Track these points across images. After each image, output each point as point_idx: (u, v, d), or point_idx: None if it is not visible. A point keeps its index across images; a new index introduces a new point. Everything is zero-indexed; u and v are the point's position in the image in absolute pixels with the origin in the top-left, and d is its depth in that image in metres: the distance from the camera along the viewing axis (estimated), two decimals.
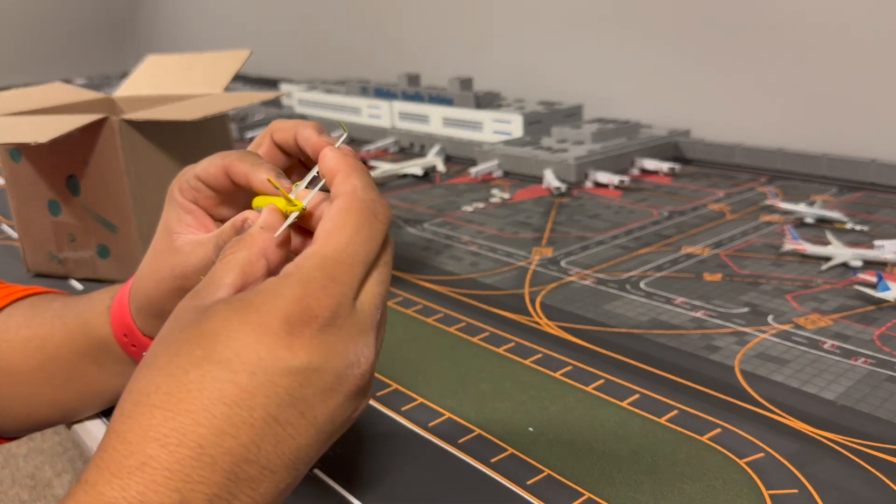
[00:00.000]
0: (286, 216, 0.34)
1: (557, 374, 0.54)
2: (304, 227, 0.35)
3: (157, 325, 0.42)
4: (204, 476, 0.26)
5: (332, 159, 0.33)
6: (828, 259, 0.72)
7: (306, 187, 0.35)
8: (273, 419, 0.28)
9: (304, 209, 0.33)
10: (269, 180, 0.34)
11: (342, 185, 0.32)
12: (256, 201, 0.36)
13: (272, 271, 0.32)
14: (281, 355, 0.28)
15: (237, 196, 0.39)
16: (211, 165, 0.38)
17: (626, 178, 1.01)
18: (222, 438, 0.27)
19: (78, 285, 0.75)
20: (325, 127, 0.38)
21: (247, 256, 0.31)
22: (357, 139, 1.47)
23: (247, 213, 0.37)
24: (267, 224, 0.33)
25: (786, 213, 0.87)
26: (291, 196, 0.34)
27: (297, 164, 0.42)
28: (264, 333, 0.28)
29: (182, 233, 0.40)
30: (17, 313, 0.48)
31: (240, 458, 0.27)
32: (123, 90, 0.88)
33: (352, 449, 0.46)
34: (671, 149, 1.17)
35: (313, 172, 0.35)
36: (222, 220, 0.40)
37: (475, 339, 0.60)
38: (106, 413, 0.50)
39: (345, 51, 2.11)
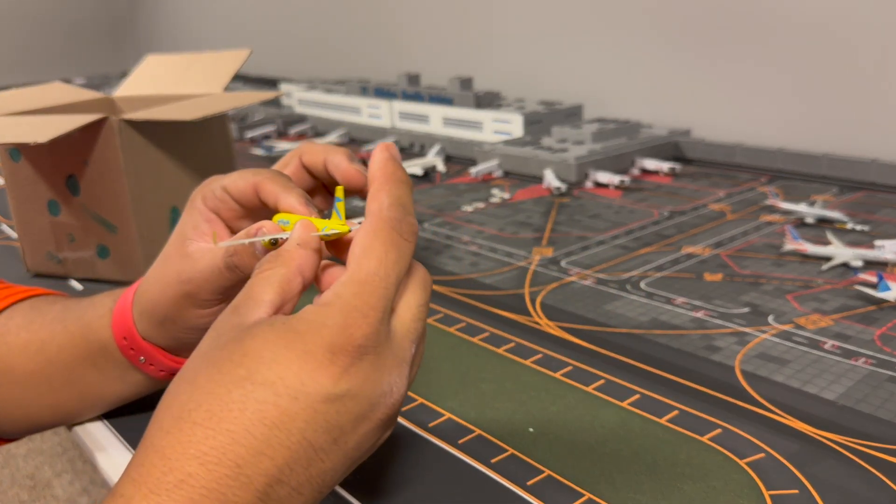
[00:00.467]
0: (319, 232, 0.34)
1: (558, 375, 0.53)
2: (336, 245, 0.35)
3: (160, 330, 0.42)
4: (238, 495, 0.27)
5: (371, 171, 0.34)
6: (828, 259, 0.71)
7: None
8: (308, 443, 0.28)
9: (348, 231, 0.33)
10: (310, 220, 0.34)
11: (370, 204, 0.32)
12: (277, 217, 0.36)
13: (306, 287, 0.32)
14: (323, 382, 0.28)
15: (259, 212, 0.39)
16: (241, 180, 0.39)
17: (626, 178, 1.01)
18: (259, 459, 0.27)
19: (77, 285, 0.75)
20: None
21: (284, 274, 0.32)
22: (357, 139, 1.47)
23: (262, 223, 0.37)
24: (303, 241, 0.33)
25: (786, 212, 0.87)
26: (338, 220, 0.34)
27: (320, 187, 0.43)
28: (309, 360, 0.28)
29: (196, 240, 0.40)
30: (17, 315, 0.48)
31: (273, 479, 0.27)
32: (123, 90, 0.88)
33: None
34: (672, 149, 1.17)
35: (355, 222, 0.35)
36: (237, 233, 0.40)
37: (475, 340, 0.60)
38: (107, 415, 0.50)
39: (345, 50, 2.11)
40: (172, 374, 0.45)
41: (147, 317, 0.43)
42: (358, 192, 0.38)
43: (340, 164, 0.38)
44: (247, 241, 0.35)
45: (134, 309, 0.44)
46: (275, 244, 0.36)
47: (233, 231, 0.41)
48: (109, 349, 0.45)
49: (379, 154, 0.34)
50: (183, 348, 0.44)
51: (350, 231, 0.34)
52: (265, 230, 0.36)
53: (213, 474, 0.26)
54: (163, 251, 0.42)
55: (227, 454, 0.27)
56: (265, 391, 0.27)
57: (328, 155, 0.39)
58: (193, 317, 0.41)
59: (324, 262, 0.34)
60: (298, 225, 0.34)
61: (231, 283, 0.39)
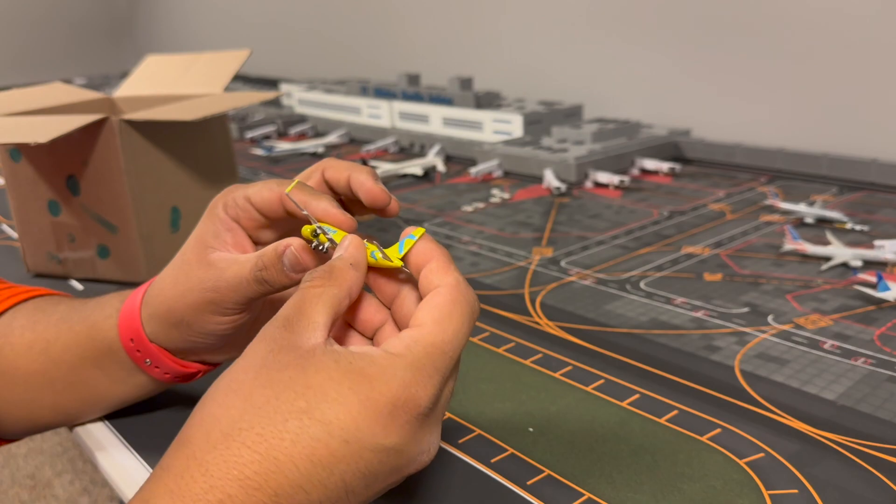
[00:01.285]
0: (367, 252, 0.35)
1: (557, 375, 0.54)
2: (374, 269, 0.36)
3: (171, 334, 0.42)
4: None
5: (423, 245, 0.34)
6: (828, 259, 0.72)
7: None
8: (344, 484, 0.29)
9: (403, 267, 0.34)
10: (363, 240, 0.35)
11: (444, 276, 0.33)
12: (306, 229, 0.37)
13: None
14: (377, 432, 0.29)
15: (282, 223, 0.40)
16: (265, 190, 0.39)
17: (626, 178, 1.01)
18: (296, 492, 0.28)
19: (78, 285, 0.75)
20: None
21: (336, 294, 0.32)
22: (357, 139, 1.47)
23: (290, 240, 0.37)
24: (356, 263, 0.34)
25: (786, 212, 0.87)
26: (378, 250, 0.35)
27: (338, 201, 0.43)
28: (370, 408, 0.29)
29: (217, 249, 0.40)
30: (20, 316, 0.48)
31: None
32: (123, 90, 0.88)
33: None
34: (671, 148, 1.17)
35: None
36: (258, 243, 0.41)
37: (475, 340, 0.60)
38: (107, 415, 0.50)
39: (345, 51, 2.11)
40: (177, 376, 0.45)
41: (158, 320, 0.43)
42: (379, 211, 0.39)
43: (366, 183, 0.38)
44: (313, 246, 0.36)
45: (143, 311, 0.43)
46: (316, 236, 0.36)
47: (254, 241, 0.41)
48: (115, 350, 0.45)
49: (424, 237, 0.35)
50: (192, 352, 0.44)
51: (403, 268, 0.34)
52: (294, 247, 0.37)
53: (251, 499, 0.27)
54: (179, 256, 0.42)
55: (269, 482, 0.27)
56: (321, 430, 0.28)
57: (353, 172, 0.39)
58: (211, 323, 0.41)
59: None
60: (351, 242, 0.35)
61: (257, 295, 0.39)
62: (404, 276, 0.36)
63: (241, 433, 0.28)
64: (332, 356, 0.30)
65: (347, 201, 0.40)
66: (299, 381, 0.29)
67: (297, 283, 0.37)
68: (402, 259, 0.35)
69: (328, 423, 0.28)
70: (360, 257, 0.34)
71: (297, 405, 0.28)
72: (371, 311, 0.36)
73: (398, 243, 0.35)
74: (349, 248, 0.35)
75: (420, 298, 0.34)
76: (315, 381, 0.28)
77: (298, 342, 0.30)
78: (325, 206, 0.37)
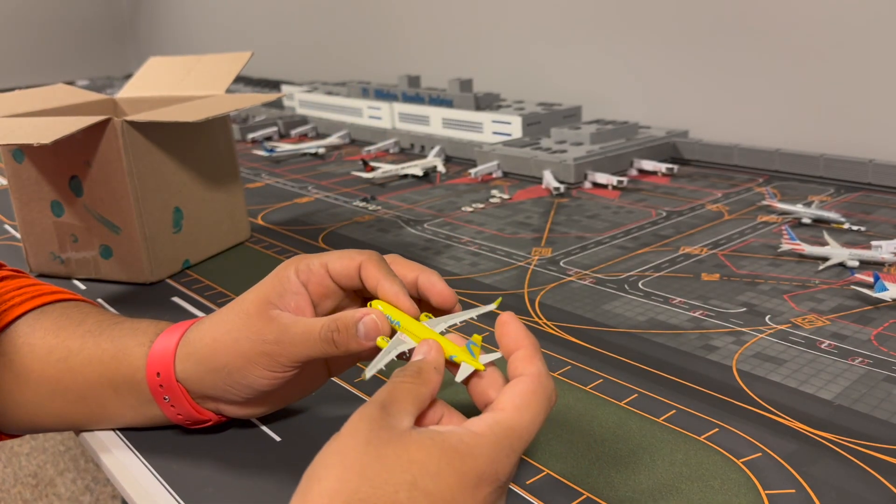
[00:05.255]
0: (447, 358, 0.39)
1: (556, 374, 0.54)
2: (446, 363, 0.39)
3: (206, 377, 0.43)
4: None
5: (515, 331, 0.38)
6: (825, 259, 0.72)
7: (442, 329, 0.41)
8: None
9: (483, 370, 0.38)
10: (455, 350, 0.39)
11: (528, 365, 0.37)
12: (375, 303, 0.41)
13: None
14: (467, 501, 0.33)
15: (346, 296, 0.44)
16: (346, 258, 0.43)
17: (624, 179, 1.02)
18: None
19: (80, 285, 0.75)
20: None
21: (426, 393, 0.36)
22: (358, 140, 1.48)
23: (366, 310, 0.41)
24: (438, 366, 0.38)
25: (783, 213, 0.87)
26: (470, 354, 0.39)
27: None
28: (463, 480, 0.32)
29: (280, 308, 0.42)
30: (45, 318, 0.48)
31: None
32: (126, 92, 0.88)
33: None
34: (669, 149, 1.17)
35: (453, 320, 0.42)
36: (319, 311, 0.44)
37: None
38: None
39: (345, 53, 2.11)
40: (188, 419, 0.46)
41: (196, 361, 0.43)
42: (445, 311, 0.42)
43: (436, 285, 0.42)
44: (383, 362, 0.39)
45: (180, 349, 0.44)
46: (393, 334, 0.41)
47: (315, 307, 0.43)
48: (137, 379, 0.45)
49: (514, 322, 0.39)
50: (216, 399, 0.45)
51: (484, 370, 0.38)
52: (374, 318, 0.40)
53: None
54: (236, 306, 0.43)
55: None
56: (425, 498, 0.31)
57: (421, 273, 0.43)
58: (254, 375, 0.42)
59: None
60: (435, 349, 0.39)
61: (320, 355, 0.41)
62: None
63: (360, 503, 0.31)
64: (427, 434, 0.33)
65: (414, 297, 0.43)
66: (404, 457, 0.32)
67: (363, 351, 0.41)
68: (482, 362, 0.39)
69: (431, 494, 0.32)
70: (442, 363, 0.38)
71: (404, 478, 0.31)
72: (437, 410, 0.39)
73: (465, 346, 0.39)
74: (432, 352, 0.38)
75: (498, 381, 0.38)
76: (417, 457, 0.32)
77: (394, 423, 0.33)
78: (397, 291, 0.41)
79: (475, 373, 0.38)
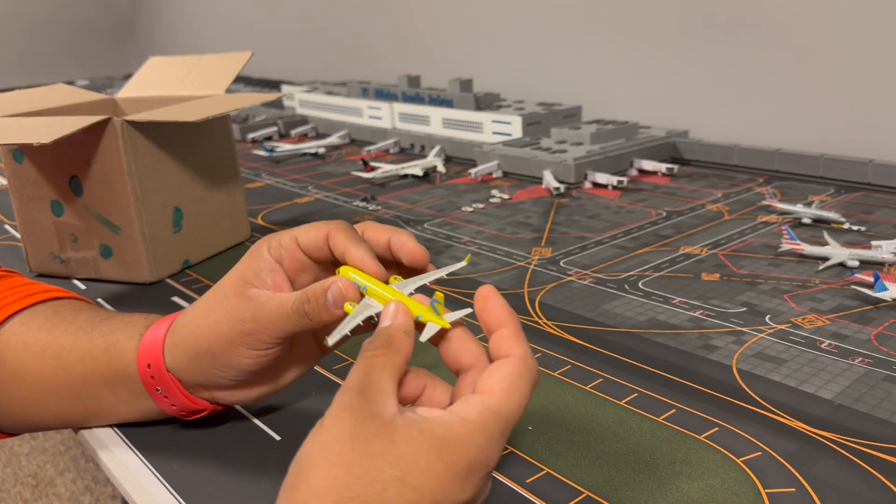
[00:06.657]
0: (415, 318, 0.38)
1: (556, 374, 0.54)
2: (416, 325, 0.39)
3: (193, 363, 0.43)
4: None
5: (497, 307, 0.37)
6: (825, 259, 0.72)
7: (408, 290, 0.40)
8: None
9: (449, 328, 0.38)
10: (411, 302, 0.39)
11: (514, 346, 0.36)
12: (343, 269, 0.40)
13: None
14: (457, 491, 0.32)
15: (325, 267, 0.43)
16: (313, 229, 0.42)
17: (624, 179, 1.02)
18: None
19: (80, 285, 0.75)
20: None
21: (400, 362, 0.36)
22: (358, 140, 1.48)
23: (334, 278, 0.40)
24: (409, 330, 0.37)
25: (783, 213, 0.88)
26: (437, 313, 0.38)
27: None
28: (453, 472, 0.32)
29: (258, 286, 0.42)
30: (38, 316, 0.48)
31: None
32: (126, 91, 0.88)
33: None
34: (669, 149, 1.17)
35: (422, 281, 0.41)
36: (297, 285, 0.43)
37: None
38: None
39: (346, 52, 2.11)
40: (183, 410, 0.46)
41: (183, 348, 0.43)
42: (419, 269, 0.42)
43: (407, 243, 0.41)
44: (348, 328, 0.38)
45: (168, 338, 0.44)
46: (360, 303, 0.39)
47: (293, 282, 0.43)
48: (129, 372, 0.45)
49: (496, 297, 0.38)
50: (207, 387, 0.44)
51: (450, 328, 0.38)
52: (339, 285, 0.39)
53: None
54: (215, 290, 0.43)
55: None
56: (415, 494, 0.31)
57: (393, 234, 0.42)
58: (238, 356, 0.42)
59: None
60: (402, 311, 0.37)
61: (295, 329, 0.41)
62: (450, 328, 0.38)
63: (350, 502, 0.31)
64: (415, 426, 0.33)
65: (389, 261, 0.43)
66: (392, 452, 0.32)
67: (335, 320, 0.39)
68: (471, 315, 0.38)
69: (420, 489, 0.31)
70: (411, 324, 0.37)
71: (392, 474, 0.31)
72: (419, 381, 0.39)
73: (430, 305, 0.38)
74: (400, 315, 0.37)
75: (469, 344, 0.38)
76: (406, 453, 0.32)
77: (378, 410, 0.33)
78: (362, 255, 0.40)
79: (441, 331, 0.38)
